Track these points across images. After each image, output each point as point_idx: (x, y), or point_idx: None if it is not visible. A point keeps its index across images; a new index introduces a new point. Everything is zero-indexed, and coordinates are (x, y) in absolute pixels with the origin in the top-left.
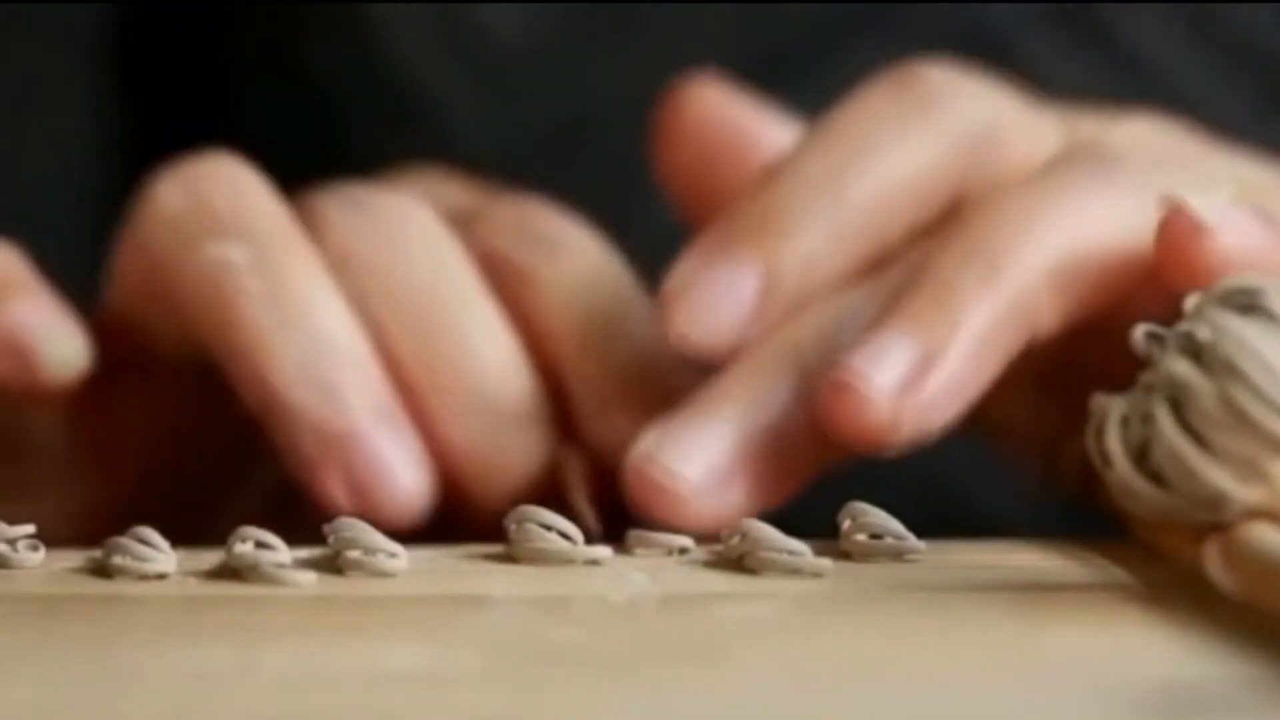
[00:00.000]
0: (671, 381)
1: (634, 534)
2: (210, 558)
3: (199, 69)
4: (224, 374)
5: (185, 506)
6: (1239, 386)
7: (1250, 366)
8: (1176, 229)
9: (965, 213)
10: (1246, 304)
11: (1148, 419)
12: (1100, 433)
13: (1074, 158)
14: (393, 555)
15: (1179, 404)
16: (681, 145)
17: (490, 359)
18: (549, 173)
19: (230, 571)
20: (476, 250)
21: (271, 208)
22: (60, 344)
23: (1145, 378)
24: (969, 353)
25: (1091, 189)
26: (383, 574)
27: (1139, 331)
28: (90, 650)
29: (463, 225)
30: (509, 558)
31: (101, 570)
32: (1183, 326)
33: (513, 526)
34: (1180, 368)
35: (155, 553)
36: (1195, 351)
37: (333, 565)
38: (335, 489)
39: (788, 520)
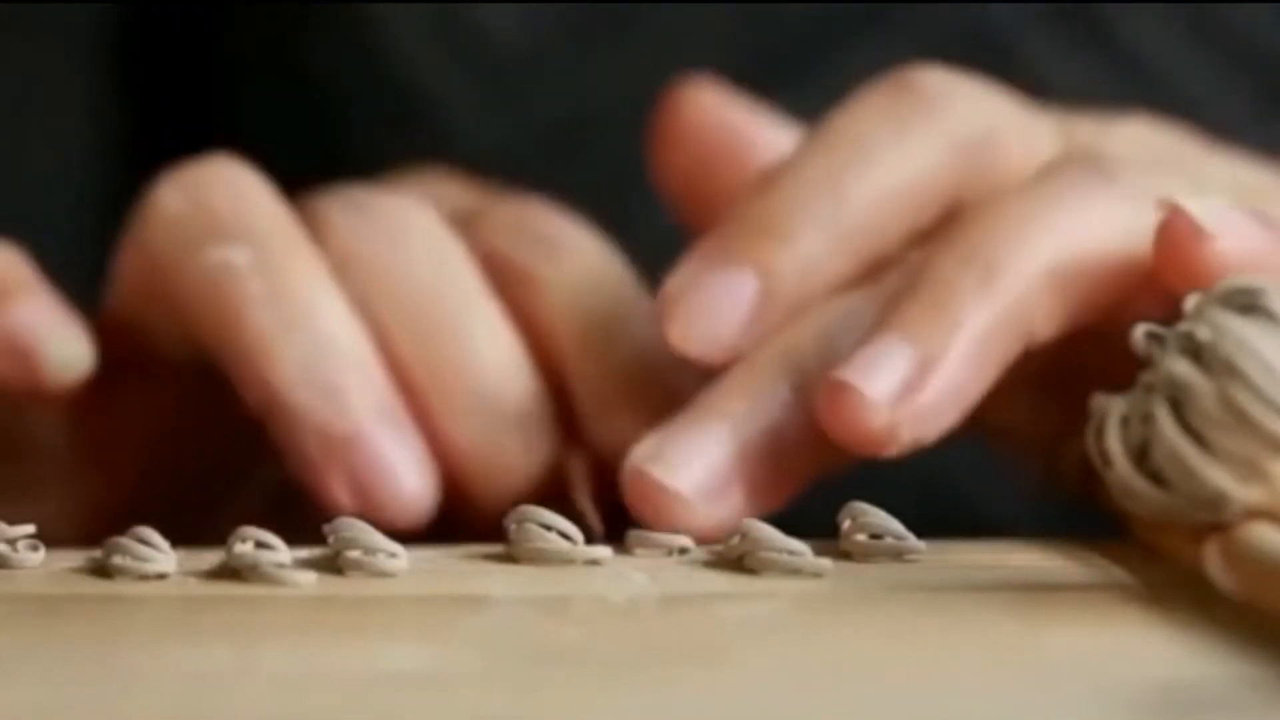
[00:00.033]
0: (673, 382)
1: (634, 534)
2: (210, 558)
3: (199, 69)
4: (225, 375)
5: (186, 506)
6: (1239, 386)
7: (1250, 366)
8: (1175, 232)
9: (963, 217)
10: (1246, 304)
11: (1148, 419)
12: (1100, 433)
13: (1071, 161)
14: (393, 555)
15: (1179, 404)
16: (678, 148)
17: (492, 359)
18: (549, 173)
19: (230, 571)
20: (478, 251)
21: (273, 210)
22: (63, 345)
23: (1145, 378)
24: (967, 357)
25: (1088, 193)
26: (383, 574)
27: (1139, 331)
28: (90, 650)
29: (464, 226)
30: (509, 558)
31: (101, 570)
32: (1183, 326)
33: (513, 526)
34: (1180, 368)
35: (155, 553)
36: (1195, 351)
37: (333, 565)
38: (338, 490)
39: (788, 520)
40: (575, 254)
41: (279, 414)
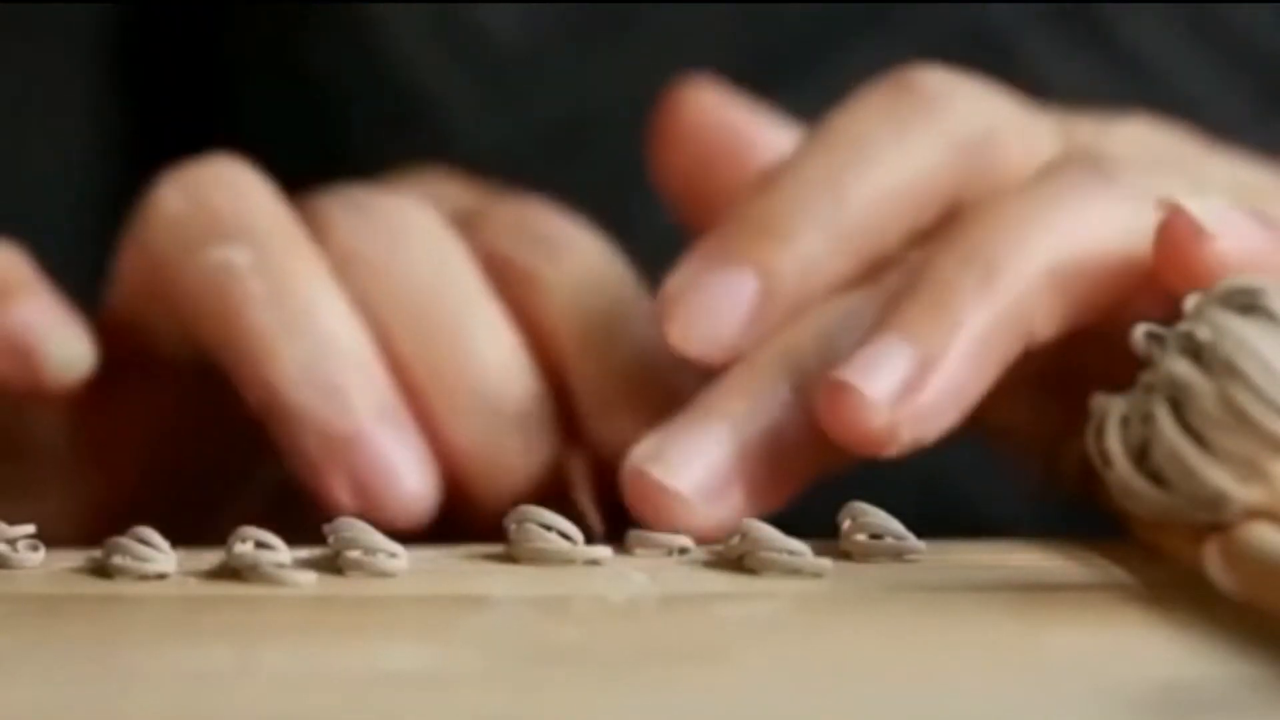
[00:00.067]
0: (673, 382)
1: (634, 534)
2: (210, 558)
3: (199, 69)
4: (226, 375)
5: (186, 506)
6: (1239, 386)
7: (1250, 366)
8: (1175, 232)
9: (963, 217)
10: (1246, 304)
11: (1148, 419)
12: (1100, 433)
13: (1071, 161)
14: (393, 555)
15: (1179, 404)
16: (678, 148)
17: (493, 359)
18: (549, 173)
19: (230, 571)
20: (479, 251)
21: (274, 210)
22: (63, 345)
23: (1145, 378)
24: (967, 357)
25: (1088, 193)
26: (383, 574)
27: (1139, 331)
28: (90, 650)
29: (465, 226)
30: (509, 558)
31: (101, 570)
32: (1183, 326)
33: (513, 526)
34: (1180, 368)
35: (155, 553)
36: (1195, 351)
37: (333, 565)
38: (339, 490)
39: (788, 520)
40: (576, 254)
41: (280, 414)
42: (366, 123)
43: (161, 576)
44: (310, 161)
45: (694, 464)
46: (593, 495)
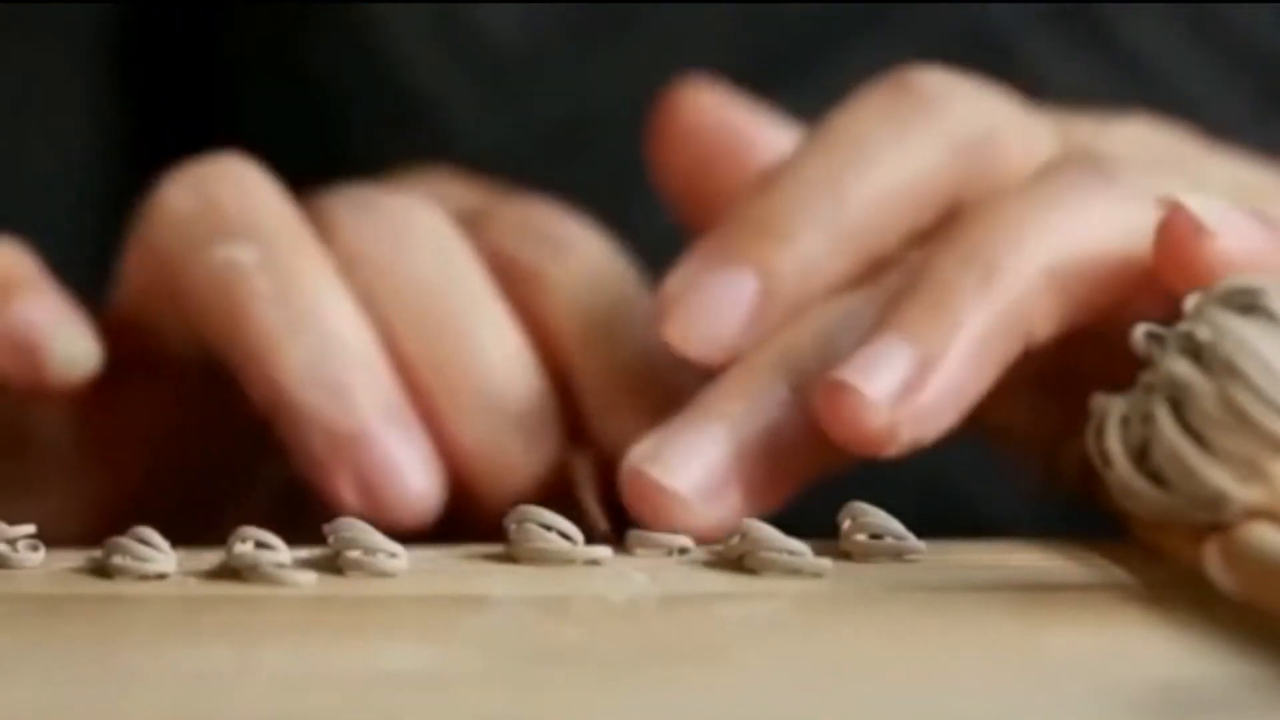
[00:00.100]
0: (678, 379)
1: (634, 534)
2: (210, 558)
3: (199, 69)
4: (231, 374)
5: (191, 505)
6: (1239, 386)
7: (1250, 366)
8: (1176, 230)
9: (962, 217)
10: (1246, 304)
11: (1148, 419)
12: (1100, 433)
13: (1069, 162)
14: (393, 555)
15: (1179, 404)
16: (678, 148)
17: (498, 359)
18: (549, 173)
19: (230, 571)
20: (484, 251)
21: (280, 208)
22: (69, 342)
23: (1145, 378)
24: (966, 358)
25: (1087, 193)
26: (383, 574)
27: (1139, 331)
28: (90, 650)
29: (470, 226)
30: (509, 558)
31: (101, 570)
32: (1183, 326)
33: (513, 526)
34: (1180, 368)
35: (155, 553)
36: (1195, 351)
37: (333, 565)
38: (345, 489)
39: (788, 520)
40: (581, 253)
41: (285, 412)
42: (366, 123)
43: (161, 576)
44: (310, 161)
45: (692, 464)
46: (598, 495)
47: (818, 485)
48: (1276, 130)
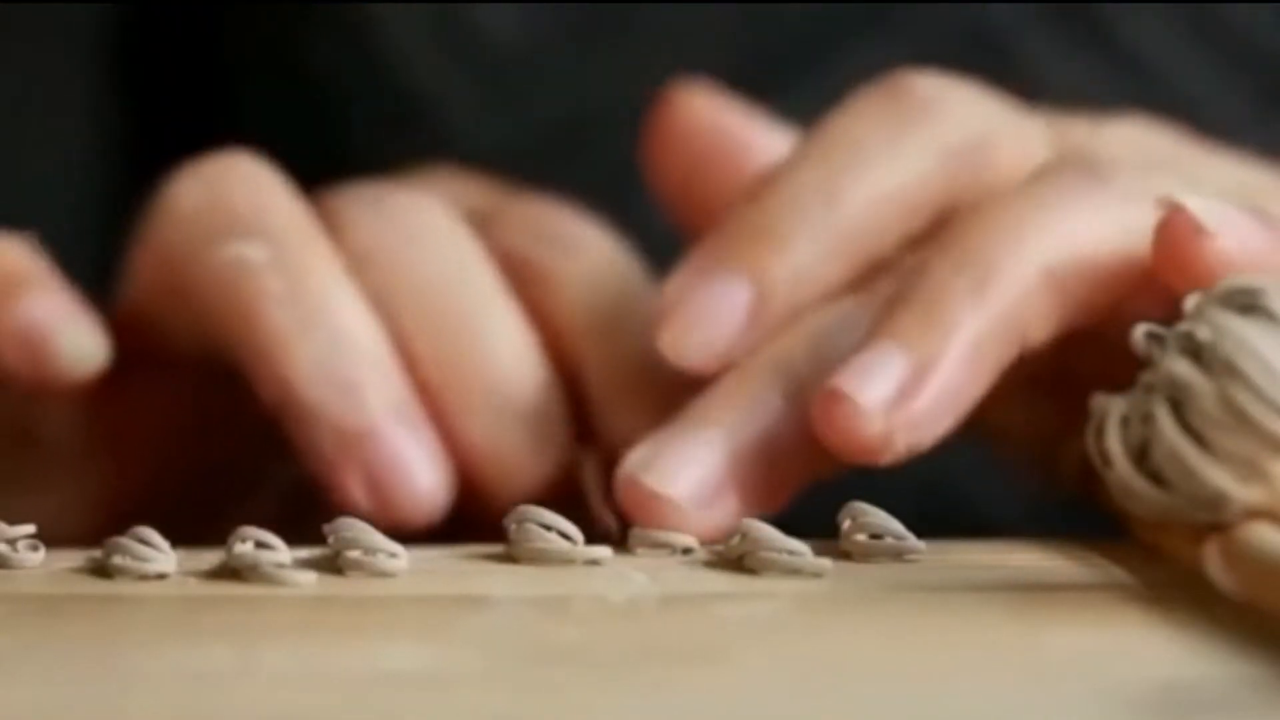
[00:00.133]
0: (685, 377)
1: (636, 533)
2: (210, 558)
3: (199, 69)
4: (241, 372)
5: (199, 503)
6: (1239, 386)
7: (1250, 366)
8: (1175, 230)
9: (956, 222)
10: (1246, 304)
11: (1148, 419)
12: (1100, 433)
13: (1064, 164)
14: (393, 555)
15: (1179, 404)
16: (672, 151)
17: (508, 357)
18: (549, 173)
19: (230, 571)
20: (494, 249)
21: (290, 206)
22: (76, 339)
23: (1145, 378)
24: (962, 363)
25: (1081, 195)
26: (383, 574)
27: (1139, 331)
28: (90, 650)
29: (479, 225)
30: (509, 558)
31: (101, 570)
32: (1183, 326)
33: (513, 526)
34: (1180, 368)
35: (155, 553)
36: (1195, 351)
37: (333, 565)
38: (354, 488)
39: (788, 520)
40: (590, 252)
41: (294, 411)
42: (366, 123)
43: (161, 576)
44: (310, 161)
45: (687, 471)
46: (605, 495)
47: (818, 486)
48: (1276, 130)
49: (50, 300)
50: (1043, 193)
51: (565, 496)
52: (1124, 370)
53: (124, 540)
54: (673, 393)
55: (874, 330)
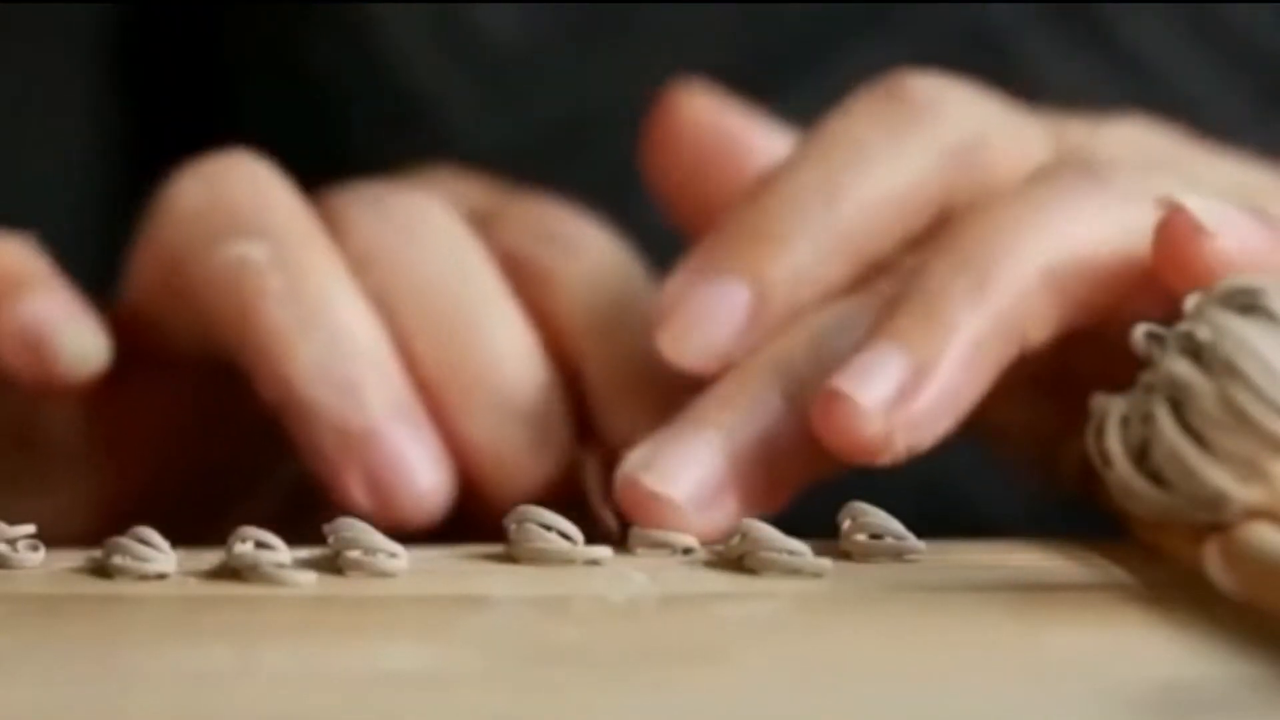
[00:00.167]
0: (686, 376)
1: (636, 533)
2: (210, 558)
3: (199, 69)
4: (242, 371)
5: (201, 503)
6: (1239, 386)
7: (1250, 366)
8: (1175, 230)
9: (955, 222)
10: (1247, 304)
11: (1148, 419)
12: (1100, 433)
13: (1063, 164)
14: (393, 555)
15: (1179, 404)
16: (672, 151)
17: (509, 357)
18: (549, 173)
19: (230, 571)
20: (495, 249)
21: (292, 206)
22: (78, 339)
23: (1145, 378)
24: (961, 363)
25: (1080, 196)
26: (383, 574)
27: (1139, 331)
28: (90, 650)
29: (480, 225)
30: (509, 558)
31: (101, 570)
32: (1183, 326)
33: (513, 526)
34: (1180, 368)
35: (155, 553)
36: (1195, 351)
37: (333, 565)
38: (355, 487)
39: (788, 520)
40: (591, 252)
41: (295, 410)
42: (366, 123)
43: (161, 576)
44: (310, 161)
45: (687, 472)
46: (606, 495)
47: (818, 486)
48: (1276, 130)
49: (51, 300)
50: (1042, 193)
51: (566, 496)
52: (1124, 370)
53: (124, 540)
54: (673, 393)
55: (874, 331)
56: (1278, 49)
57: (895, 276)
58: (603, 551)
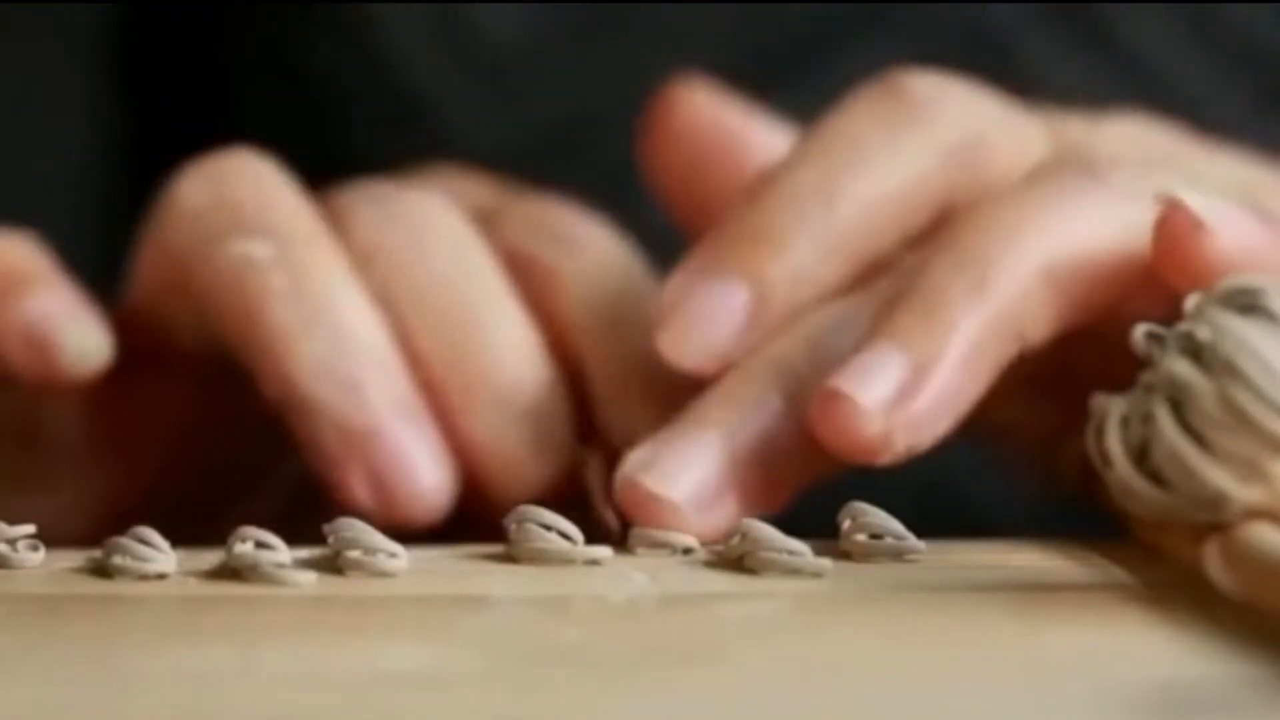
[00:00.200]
0: (688, 375)
1: (636, 533)
2: (210, 558)
3: (199, 69)
4: (245, 370)
5: (204, 502)
6: (1239, 386)
7: (1250, 366)
8: (1174, 227)
9: (954, 222)
10: (1246, 304)
11: (1148, 419)
12: (1100, 433)
13: (1062, 163)
14: (393, 555)
15: (1179, 404)
16: (671, 149)
17: (512, 356)
18: (549, 173)
19: (230, 571)
20: (499, 248)
21: (296, 204)
22: (81, 336)
23: (1145, 378)
24: (961, 363)
25: (1079, 194)
26: (383, 574)
27: (1139, 331)
28: (90, 650)
29: (484, 223)
30: (509, 558)
31: (101, 570)
32: (1183, 326)
33: (513, 526)
34: (1180, 368)
35: (155, 553)
36: (1195, 351)
37: (333, 565)
38: (357, 485)
39: (788, 520)
40: (594, 250)
41: (298, 408)
42: (366, 123)
43: (161, 576)
44: (310, 161)
45: (687, 473)
46: (607, 494)
47: (818, 486)
48: (1276, 130)
49: (54, 297)
50: (1040, 191)
51: (567, 495)
52: (1124, 370)
53: (124, 540)
54: (676, 391)
55: (873, 330)
56: (1278, 49)
57: (894, 276)
58: (603, 551)
